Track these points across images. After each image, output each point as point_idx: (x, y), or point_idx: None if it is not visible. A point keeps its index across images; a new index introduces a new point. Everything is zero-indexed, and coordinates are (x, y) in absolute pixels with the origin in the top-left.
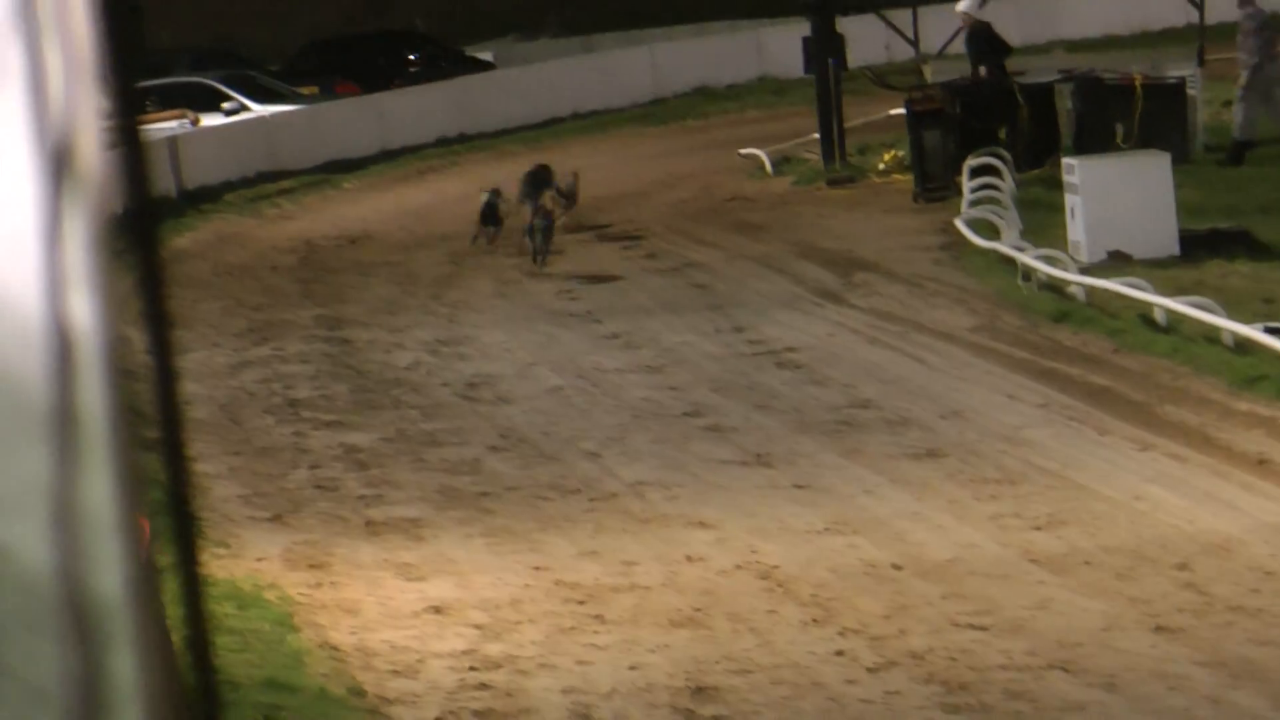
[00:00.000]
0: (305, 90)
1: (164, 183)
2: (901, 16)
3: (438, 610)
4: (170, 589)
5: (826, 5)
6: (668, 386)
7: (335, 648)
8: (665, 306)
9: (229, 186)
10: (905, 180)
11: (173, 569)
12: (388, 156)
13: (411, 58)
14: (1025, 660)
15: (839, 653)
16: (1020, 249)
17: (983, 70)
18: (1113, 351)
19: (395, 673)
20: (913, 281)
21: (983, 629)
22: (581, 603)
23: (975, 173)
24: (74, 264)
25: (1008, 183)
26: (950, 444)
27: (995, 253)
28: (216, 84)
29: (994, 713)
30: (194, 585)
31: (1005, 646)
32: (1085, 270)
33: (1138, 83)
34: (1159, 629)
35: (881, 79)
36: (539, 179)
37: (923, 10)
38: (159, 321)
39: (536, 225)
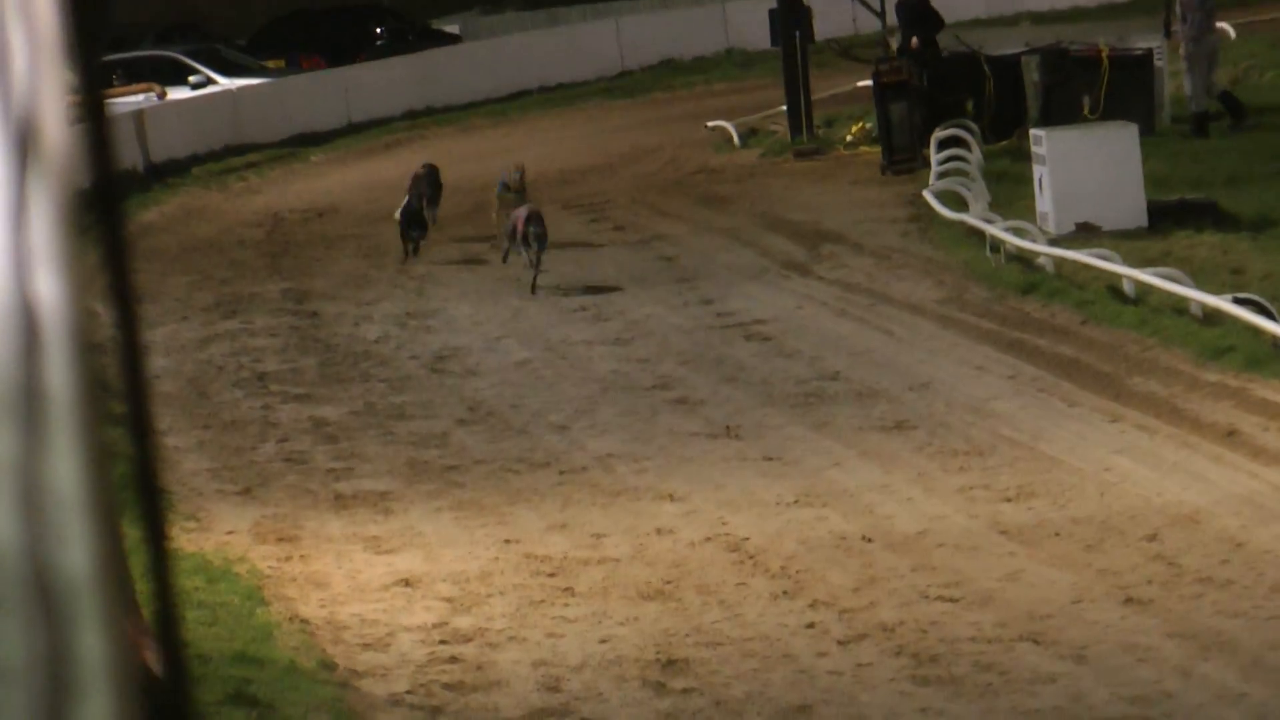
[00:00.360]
0: (271, 64)
1: (130, 157)
2: None
3: (407, 583)
4: (139, 564)
5: None
6: (636, 359)
7: (305, 621)
8: (633, 279)
9: (195, 160)
10: (872, 152)
11: (141, 544)
12: (354, 130)
13: (378, 31)
14: (995, 632)
15: (809, 625)
16: (988, 221)
17: (914, 41)
18: (1081, 323)
19: (365, 646)
20: (880, 254)
21: (952, 601)
22: (551, 575)
23: (942, 145)
24: (39, 241)
25: (975, 155)
26: (919, 416)
27: (963, 224)
28: (182, 58)
29: (964, 685)
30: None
31: (975, 619)
32: (1053, 242)
33: (1104, 55)
34: (1128, 600)
35: (848, 51)
36: (435, 180)
37: None
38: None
39: (532, 234)
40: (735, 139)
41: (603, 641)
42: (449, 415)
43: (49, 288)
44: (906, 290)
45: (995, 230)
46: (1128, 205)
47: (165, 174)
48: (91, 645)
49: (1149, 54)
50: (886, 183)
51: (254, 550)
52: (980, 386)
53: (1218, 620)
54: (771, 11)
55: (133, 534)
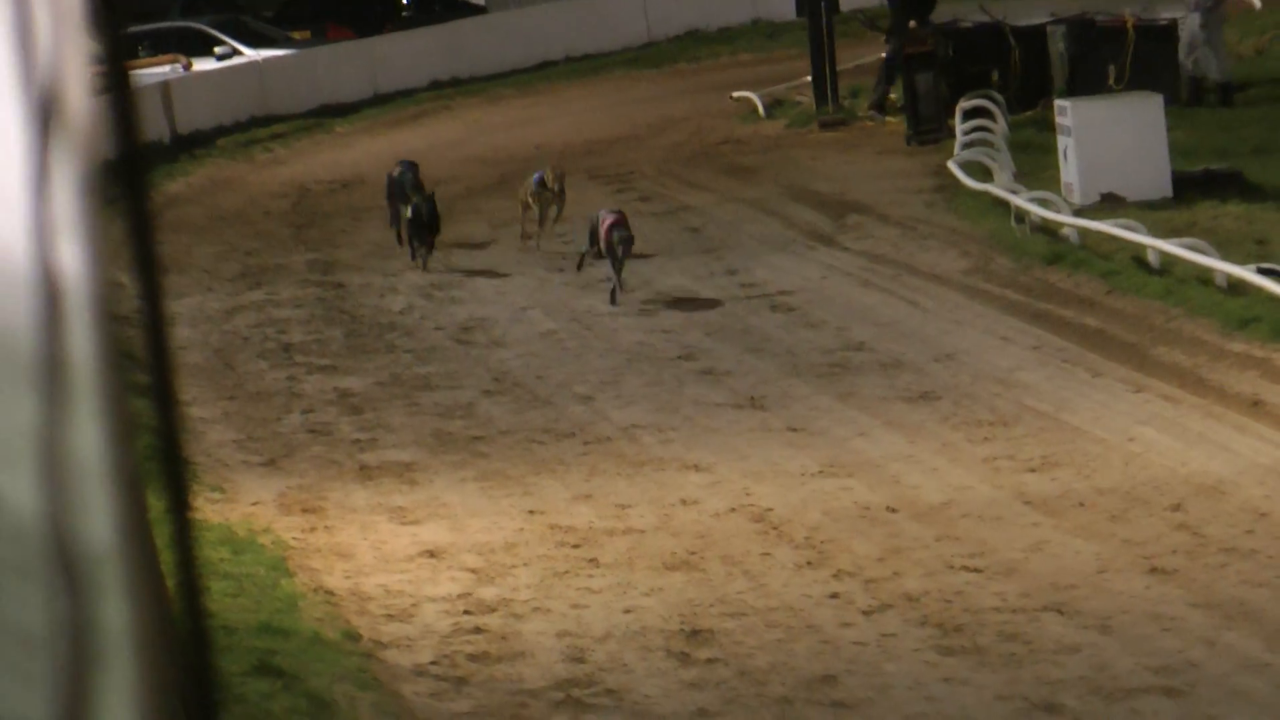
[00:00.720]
0: (297, 35)
1: (156, 128)
2: None
3: (432, 554)
4: (164, 535)
5: None
6: (661, 330)
7: (329, 592)
8: (658, 249)
9: (221, 131)
10: (898, 123)
11: (165, 515)
12: (380, 101)
13: (404, 2)
14: (1019, 602)
15: (833, 595)
16: (1013, 191)
17: (912, 23)
18: (1105, 293)
19: (389, 617)
20: (905, 224)
21: (977, 571)
22: (576, 546)
23: (968, 115)
24: (62, 212)
25: (1000, 125)
26: (943, 387)
27: (988, 195)
28: (208, 29)
29: (988, 655)
30: (185, 532)
31: (999, 589)
32: (1078, 212)
33: (1129, 24)
34: (1153, 570)
35: (873, 22)
36: (416, 182)
37: None
38: (149, 268)
39: (618, 238)
40: (761, 110)
41: (627, 612)
42: (474, 386)
43: (72, 258)
44: (932, 261)
45: (1020, 201)
46: (1153, 176)
47: (191, 145)
48: (114, 614)
49: (1174, 24)
50: (912, 153)
51: (279, 521)
52: (1005, 357)
53: (1242, 590)
54: None
55: (158, 505)
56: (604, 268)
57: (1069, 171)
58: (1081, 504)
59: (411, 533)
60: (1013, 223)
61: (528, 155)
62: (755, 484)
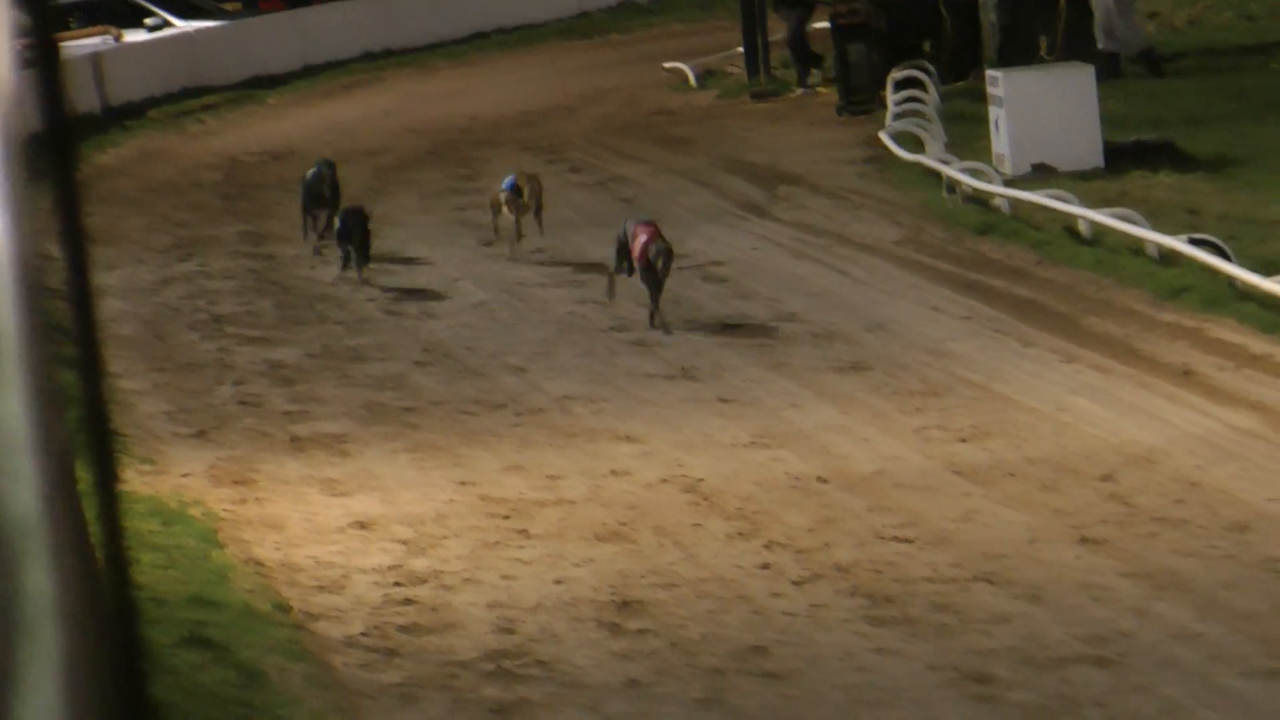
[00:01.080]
0: (229, 6)
1: (87, 100)
2: None
3: (362, 526)
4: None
5: None
6: (593, 301)
7: (260, 563)
8: (590, 220)
9: (153, 103)
10: (830, 93)
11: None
12: (311, 72)
13: None
14: (950, 573)
15: (764, 566)
16: (945, 162)
17: None
18: (1037, 264)
19: (320, 588)
20: (837, 195)
21: (908, 542)
22: (506, 517)
23: (899, 86)
24: None
25: (932, 96)
26: (875, 357)
27: (919, 165)
28: (139, 0)
29: (919, 625)
30: (112, 503)
31: (930, 559)
32: (1009, 183)
33: None
34: (1083, 540)
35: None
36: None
37: None
38: (77, 239)
39: (655, 251)
40: (693, 81)
41: (558, 583)
42: (405, 357)
43: None
44: (863, 231)
45: (952, 171)
46: (1084, 146)
47: (122, 117)
48: (40, 583)
49: None
50: (844, 124)
51: (210, 493)
52: (936, 327)
53: (1173, 560)
54: None
55: (87, 478)
56: (537, 240)
57: (1000, 142)
58: (1012, 474)
59: (342, 504)
60: (944, 193)
61: (461, 126)
62: (687, 455)
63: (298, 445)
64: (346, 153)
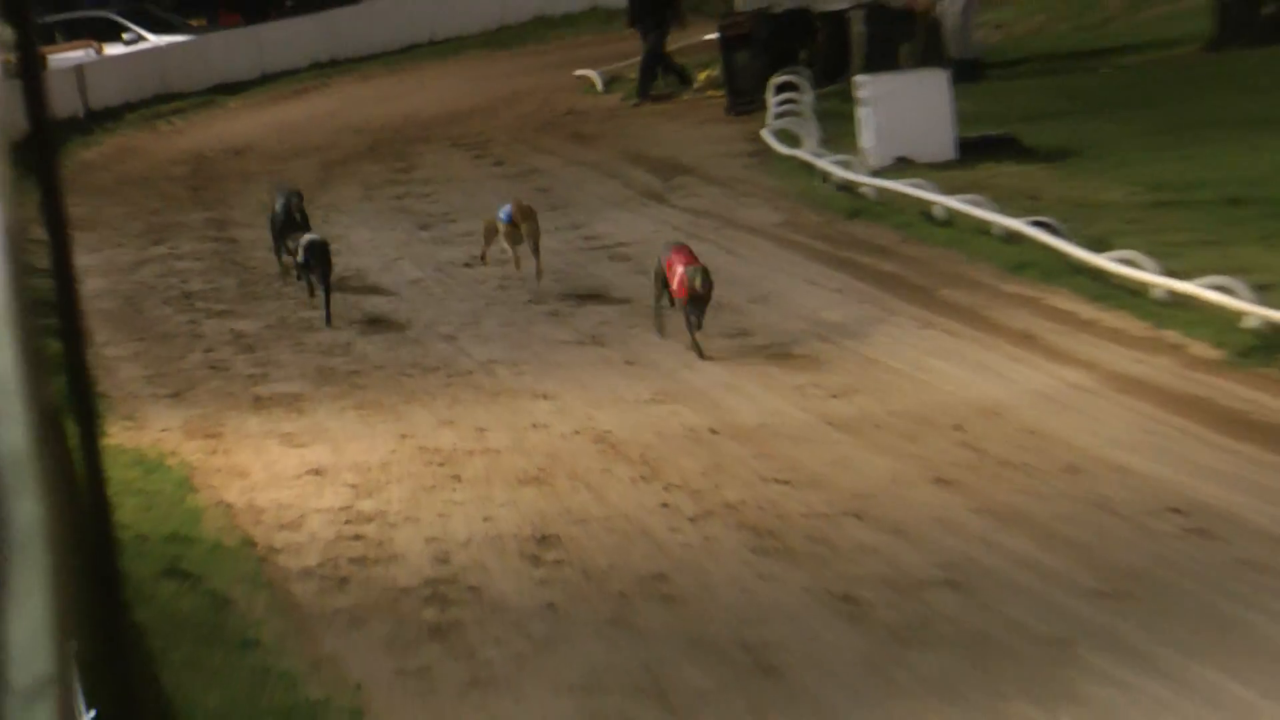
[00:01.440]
0: (195, 22)
1: (72, 105)
2: None
3: (317, 473)
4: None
5: None
6: (515, 278)
7: (229, 505)
8: None
9: (129, 107)
10: (719, 96)
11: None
12: (267, 79)
13: None
14: (824, 509)
15: (664, 505)
16: (818, 155)
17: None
18: (899, 243)
19: (281, 526)
20: (726, 184)
21: (787, 483)
22: (441, 465)
23: (779, 89)
24: None
25: (807, 97)
26: (759, 325)
27: (796, 159)
28: (117, 18)
29: (797, 555)
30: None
31: (807, 498)
32: (875, 173)
33: (919, 9)
34: (938, 481)
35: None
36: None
37: None
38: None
39: (692, 276)
40: (599, 85)
41: (486, 520)
42: (352, 327)
43: None
44: (749, 215)
45: (824, 163)
46: (940, 141)
47: (103, 119)
48: (30, 509)
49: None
50: (731, 122)
51: (184, 445)
52: (812, 298)
53: (1016, 498)
54: None
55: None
56: (466, 224)
57: (867, 137)
58: (877, 425)
59: (299, 454)
60: (818, 182)
61: (398, 125)
62: (596, 410)
63: (259, 404)
64: (297, 148)
